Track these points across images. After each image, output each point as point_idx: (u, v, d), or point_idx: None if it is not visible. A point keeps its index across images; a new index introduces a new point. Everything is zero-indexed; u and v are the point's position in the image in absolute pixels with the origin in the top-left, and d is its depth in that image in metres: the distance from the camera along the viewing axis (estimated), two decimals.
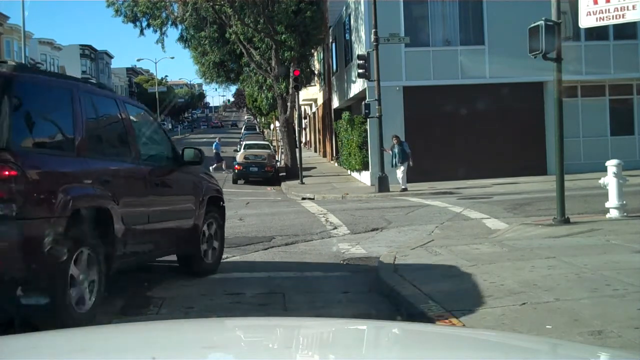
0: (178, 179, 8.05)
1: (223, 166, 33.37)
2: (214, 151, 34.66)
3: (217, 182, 9.65)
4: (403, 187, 20.55)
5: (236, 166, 28.60)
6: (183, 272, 8.46)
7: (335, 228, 12.96)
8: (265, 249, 10.64)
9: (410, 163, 20.79)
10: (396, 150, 20.91)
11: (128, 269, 7.26)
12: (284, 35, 28.39)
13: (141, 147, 7.41)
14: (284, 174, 30.27)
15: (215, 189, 9.04)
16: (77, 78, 7.81)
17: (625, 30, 23.23)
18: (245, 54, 30.06)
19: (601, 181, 11.93)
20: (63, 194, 5.64)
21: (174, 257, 8.58)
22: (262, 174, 28.07)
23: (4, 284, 5.30)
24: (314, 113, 48.31)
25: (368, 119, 22.97)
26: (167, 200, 7.79)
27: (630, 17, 10.44)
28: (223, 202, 9.24)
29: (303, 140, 42.44)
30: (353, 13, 26.97)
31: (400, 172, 20.77)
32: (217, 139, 38.06)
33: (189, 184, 8.31)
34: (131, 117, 7.35)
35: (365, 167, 24.83)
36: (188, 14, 28.45)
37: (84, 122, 6.25)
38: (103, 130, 6.96)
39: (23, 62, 32.32)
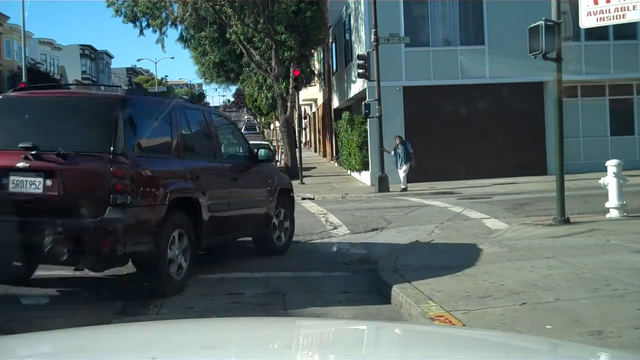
0: (253, 174, 9.54)
1: None
2: None
3: (288, 175, 11.52)
4: (403, 186, 20.57)
5: None
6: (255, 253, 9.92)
7: (335, 228, 12.96)
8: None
9: (413, 163, 20.82)
10: (399, 150, 20.93)
11: (213, 247, 9.11)
12: (284, 35, 28.38)
13: (223, 149, 9.06)
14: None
15: (286, 182, 10.54)
16: (173, 96, 9.22)
17: (625, 30, 23.23)
18: (245, 54, 30.06)
19: (601, 181, 11.93)
20: (163, 188, 7.19)
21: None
22: None
23: (119, 258, 6.91)
24: (314, 113, 48.31)
25: (368, 119, 22.97)
26: (243, 192, 9.26)
27: (630, 17, 10.44)
28: (292, 193, 10.69)
29: (303, 140, 42.46)
30: (353, 13, 26.97)
31: (402, 171, 20.79)
32: None
33: (262, 178, 9.75)
34: (215, 125, 8.98)
35: (365, 167, 24.83)
36: (188, 14, 28.43)
37: (179, 131, 7.92)
38: (193, 136, 8.58)
39: (24, 62, 32.30)
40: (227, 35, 30.24)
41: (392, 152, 21.16)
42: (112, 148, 6.77)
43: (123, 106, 7.12)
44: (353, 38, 27.20)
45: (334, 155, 34.74)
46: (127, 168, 6.77)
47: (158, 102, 8.09)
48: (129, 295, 7.42)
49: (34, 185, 6.78)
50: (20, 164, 6.76)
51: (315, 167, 33.51)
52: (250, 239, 10.03)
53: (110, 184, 6.67)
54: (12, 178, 6.81)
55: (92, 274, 8.67)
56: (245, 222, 9.23)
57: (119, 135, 6.84)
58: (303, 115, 38.52)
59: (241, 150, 9.79)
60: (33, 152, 6.74)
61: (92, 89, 9.35)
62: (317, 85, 40.38)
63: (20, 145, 6.80)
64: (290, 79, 28.22)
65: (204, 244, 8.10)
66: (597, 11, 10.58)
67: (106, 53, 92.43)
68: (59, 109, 7.30)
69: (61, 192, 6.73)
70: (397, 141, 21.10)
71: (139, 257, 7.14)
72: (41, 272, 8.77)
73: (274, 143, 44.06)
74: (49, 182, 6.75)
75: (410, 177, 21.20)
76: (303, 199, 20.80)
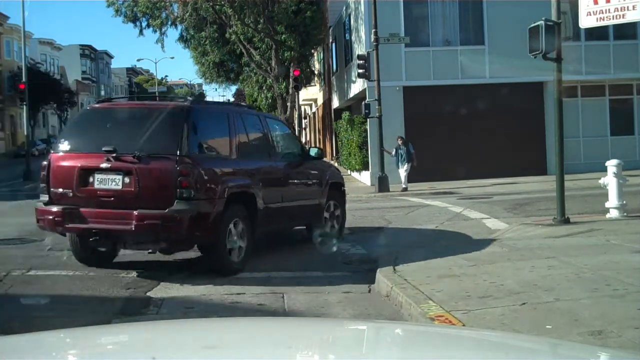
0: (305, 170, 10.64)
1: None
2: None
3: (339, 171, 12.46)
4: (404, 186, 20.57)
5: None
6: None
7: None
8: (266, 249, 10.61)
9: (414, 163, 20.84)
10: (401, 150, 20.94)
11: (268, 234, 10.12)
12: (284, 35, 28.38)
13: (277, 148, 10.17)
14: None
15: (337, 176, 11.61)
16: (231, 103, 10.91)
17: (625, 30, 23.22)
18: (245, 54, 30.06)
19: (601, 181, 11.93)
20: (222, 184, 8.34)
21: (177, 256, 9.15)
22: None
23: (185, 243, 8.33)
24: (314, 113, 48.30)
25: (368, 119, 22.96)
26: (295, 186, 10.34)
27: (630, 17, 10.44)
28: (344, 187, 11.78)
29: (303, 140, 42.44)
30: (353, 13, 26.97)
31: (403, 171, 20.80)
32: None
33: (313, 174, 10.84)
34: (270, 127, 10.08)
35: (365, 167, 24.82)
36: (188, 14, 28.43)
37: (236, 134, 9.07)
38: (249, 138, 9.55)
39: (24, 62, 32.29)
40: (227, 35, 30.24)
41: (393, 152, 21.17)
42: (178, 151, 7.95)
43: (187, 115, 8.34)
44: (353, 38, 27.20)
45: (334, 155, 34.75)
46: (191, 167, 7.96)
47: (218, 110, 9.66)
48: (195, 274, 8.44)
49: (115, 182, 8.08)
50: (103, 165, 8.05)
51: None
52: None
53: (176, 181, 7.86)
54: (97, 176, 8.15)
55: (92, 273, 8.69)
56: (298, 213, 10.31)
57: (184, 139, 8.06)
58: (303, 115, 38.54)
59: (294, 149, 10.91)
60: (113, 155, 7.99)
61: (163, 100, 10.77)
62: (317, 85, 40.38)
63: (103, 149, 8.03)
64: (290, 79, 28.23)
65: (259, 231, 9.20)
66: (597, 11, 10.58)
67: (106, 53, 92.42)
68: (134, 118, 8.63)
69: (136, 188, 7.95)
70: (400, 142, 21.11)
71: (202, 243, 8.43)
72: (41, 272, 8.78)
73: None
74: (126, 180, 8.01)
75: (411, 177, 21.19)
76: None
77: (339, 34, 31.58)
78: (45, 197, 8.42)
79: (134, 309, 6.99)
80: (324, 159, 12.63)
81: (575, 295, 6.34)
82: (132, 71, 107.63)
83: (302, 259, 9.69)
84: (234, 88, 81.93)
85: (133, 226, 7.79)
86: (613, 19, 10.53)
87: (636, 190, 14.44)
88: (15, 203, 19.96)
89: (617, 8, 10.35)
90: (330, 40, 33.93)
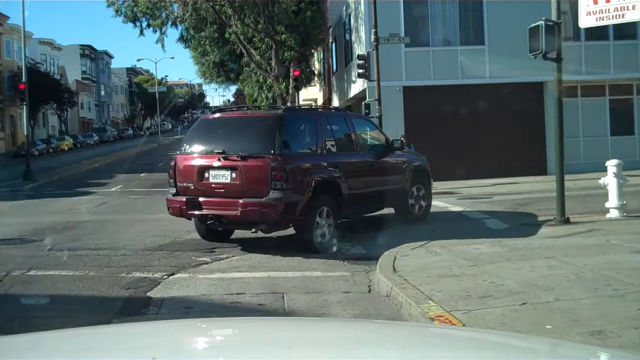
0: (388, 160, 12.32)
1: None
2: None
3: (423, 158, 13.68)
4: None
5: None
6: (396, 221, 12.66)
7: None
8: (266, 249, 10.62)
9: None
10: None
11: (352, 219, 12.11)
12: (284, 35, 28.38)
13: (361, 142, 11.95)
14: None
15: (421, 163, 13.25)
16: (320, 107, 12.74)
17: (625, 30, 23.22)
18: (245, 54, 30.06)
19: (601, 181, 11.93)
20: (309, 176, 10.13)
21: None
22: None
23: (280, 224, 10.38)
24: None
25: None
26: (379, 174, 11.98)
27: (630, 17, 10.44)
28: (429, 173, 13.45)
29: None
30: (353, 13, 26.96)
31: None
32: None
33: (397, 163, 12.56)
34: (354, 125, 11.88)
35: None
36: (188, 14, 28.44)
37: (322, 134, 10.86)
38: (335, 136, 11.26)
39: (24, 62, 32.27)
40: (227, 35, 30.25)
41: None
42: (272, 150, 9.81)
43: (280, 121, 10.27)
44: (353, 38, 27.19)
45: None
46: (282, 164, 9.76)
47: (306, 115, 11.95)
48: (289, 249, 10.17)
49: (224, 177, 10.12)
50: (216, 163, 10.11)
51: None
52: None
53: (271, 175, 9.69)
54: (211, 172, 10.23)
55: (91, 273, 8.70)
56: (381, 198, 12.02)
57: (277, 141, 9.89)
58: None
59: (378, 142, 12.55)
60: (223, 155, 10.02)
61: (261, 110, 13.18)
62: (317, 85, 40.37)
63: (215, 150, 10.17)
64: (290, 79, 28.22)
65: (345, 214, 11.13)
66: (596, 11, 10.58)
67: (106, 53, 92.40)
68: (238, 125, 10.67)
69: (241, 181, 9.93)
70: (403, 140, 21.06)
71: (294, 224, 10.37)
72: (41, 272, 8.78)
73: None
74: (233, 175, 10.00)
75: None
76: None
77: (339, 34, 31.58)
78: (173, 190, 10.72)
79: (134, 309, 7.00)
80: (412, 150, 15.07)
81: (575, 295, 6.34)
82: (132, 71, 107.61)
83: (302, 259, 9.70)
84: (234, 88, 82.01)
85: (239, 212, 9.79)
86: (613, 18, 10.53)
87: (636, 190, 14.44)
88: (15, 203, 19.97)
89: (617, 8, 10.35)
90: (330, 40, 33.92)
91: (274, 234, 11.10)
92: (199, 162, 10.40)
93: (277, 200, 9.67)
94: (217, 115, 11.41)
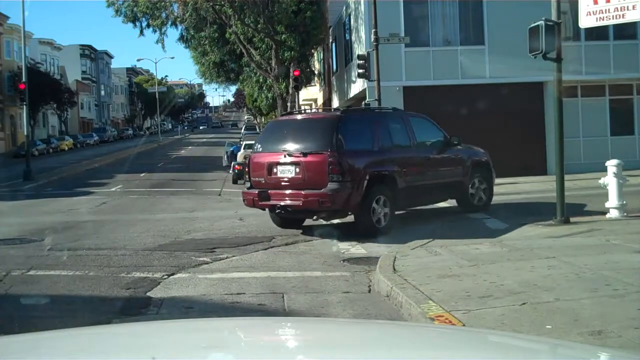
0: (446, 154, 13.45)
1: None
2: (231, 151, 33.78)
3: (484, 152, 14.67)
4: None
5: (236, 166, 28.50)
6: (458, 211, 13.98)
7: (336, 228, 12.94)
8: (265, 249, 10.63)
9: None
10: None
11: (408, 209, 13.44)
12: (284, 35, 28.39)
13: (418, 139, 12.90)
14: None
15: (482, 157, 14.39)
16: (378, 108, 14.89)
17: (625, 30, 23.20)
18: (245, 54, 30.06)
19: (601, 181, 11.93)
20: (364, 169, 11.38)
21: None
22: None
23: (337, 212, 11.71)
24: None
25: None
26: (436, 168, 13.12)
27: (630, 17, 10.43)
28: (490, 166, 14.48)
29: None
30: (353, 13, 26.96)
31: None
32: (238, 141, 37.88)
33: (455, 157, 13.66)
34: (412, 124, 12.97)
35: None
36: (188, 14, 28.45)
37: (378, 132, 12.09)
38: (391, 133, 12.41)
39: (24, 62, 32.25)
40: (227, 35, 30.26)
41: None
42: (329, 148, 11.09)
43: (337, 122, 11.62)
44: (353, 38, 27.18)
45: None
46: (338, 159, 11.01)
47: (362, 115, 13.07)
48: (348, 235, 11.47)
49: (289, 171, 11.46)
50: (282, 160, 11.50)
51: None
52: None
53: (328, 169, 10.96)
54: (278, 168, 11.60)
55: (92, 273, 8.71)
56: (440, 190, 13.21)
57: (334, 139, 11.16)
58: None
59: (436, 138, 13.51)
60: (288, 153, 11.43)
61: (321, 111, 13.96)
62: (317, 85, 40.37)
63: (282, 148, 11.59)
64: (290, 79, 28.21)
65: (404, 204, 12.57)
66: (596, 11, 10.57)
67: (106, 53, 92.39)
68: (301, 126, 12.22)
69: (303, 175, 11.23)
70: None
71: (350, 212, 11.63)
72: (41, 272, 8.78)
73: None
74: (297, 170, 11.33)
75: None
76: None
77: (339, 34, 31.57)
78: (247, 184, 12.28)
79: (134, 309, 6.99)
80: (473, 145, 15.72)
81: (575, 295, 6.34)
82: (132, 71, 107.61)
83: (302, 259, 9.70)
84: (234, 88, 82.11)
85: (301, 202, 11.13)
86: (613, 18, 10.52)
87: (636, 190, 14.43)
88: (15, 203, 19.97)
89: (617, 8, 10.35)
90: (330, 40, 33.90)
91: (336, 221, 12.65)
92: (268, 159, 11.80)
93: (333, 191, 10.95)
94: (283, 118, 13.28)
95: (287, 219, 12.47)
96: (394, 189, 11.80)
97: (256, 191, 11.79)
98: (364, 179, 11.23)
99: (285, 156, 11.46)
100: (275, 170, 11.62)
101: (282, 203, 11.45)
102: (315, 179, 11.10)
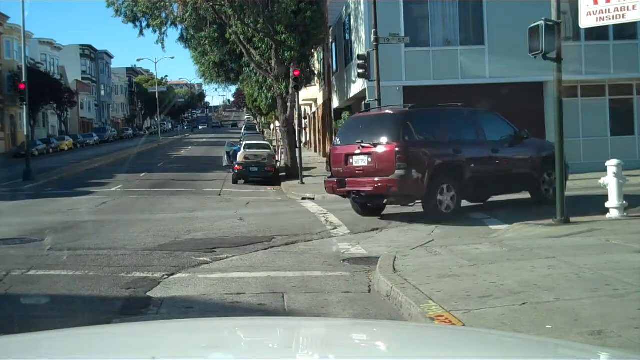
0: (516, 147, 14.34)
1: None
2: (233, 151, 33.75)
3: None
4: None
5: (236, 166, 28.52)
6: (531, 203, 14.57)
7: (335, 228, 12.96)
8: (265, 249, 10.63)
9: None
10: None
11: (482, 199, 14.86)
12: (284, 35, 28.36)
13: (486, 133, 13.84)
14: (284, 174, 30.20)
15: (553, 149, 13.85)
16: (448, 105, 15.36)
17: (625, 30, 23.20)
18: (245, 54, 30.03)
19: (601, 181, 11.93)
20: (430, 159, 12.79)
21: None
22: (262, 174, 27.95)
23: (405, 197, 13.20)
24: (314, 113, 48.30)
25: None
26: (504, 160, 13.97)
27: (630, 17, 10.43)
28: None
29: (303, 140, 42.43)
30: (353, 13, 26.96)
31: None
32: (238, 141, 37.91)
33: (525, 151, 14.52)
34: (479, 119, 14.16)
35: None
36: (188, 14, 28.41)
37: (444, 126, 13.45)
38: (458, 127, 13.67)
39: (24, 62, 32.25)
40: (227, 35, 30.22)
41: None
42: (396, 140, 12.59)
43: (403, 116, 13.32)
44: (353, 38, 27.18)
45: None
46: (404, 149, 12.50)
47: (430, 111, 14.23)
48: (415, 220, 13.00)
49: (362, 161, 13.10)
50: (357, 151, 13.14)
51: (315, 167, 33.49)
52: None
53: (395, 158, 12.42)
54: (354, 158, 13.27)
55: (92, 273, 8.71)
56: (509, 181, 14.01)
57: (401, 132, 12.72)
58: (303, 115, 38.51)
59: (506, 133, 14.41)
60: (362, 145, 13.01)
61: (390, 108, 15.25)
62: (317, 85, 40.35)
63: (356, 141, 13.15)
64: (290, 79, 28.19)
65: (470, 194, 13.75)
66: (596, 11, 10.57)
67: (106, 53, 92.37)
68: (373, 121, 13.78)
69: (374, 164, 12.79)
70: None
71: (416, 198, 13.09)
72: (41, 272, 8.78)
73: (274, 143, 44.05)
74: (369, 159, 12.94)
75: None
76: (303, 198, 20.80)
77: (339, 34, 31.56)
78: (329, 174, 14.07)
79: (134, 309, 6.99)
80: (546, 140, 17.33)
81: (575, 295, 6.34)
82: (132, 71, 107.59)
83: (302, 259, 9.70)
84: (234, 88, 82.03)
85: (372, 187, 12.77)
86: (613, 19, 10.52)
87: (636, 190, 14.43)
88: (15, 203, 19.97)
89: (617, 8, 10.34)
90: (330, 40, 33.90)
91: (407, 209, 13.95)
92: (345, 151, 13.49)
93: (400, 178, 12.41)
94: (358, 114, 15.03)
95: (367, 207, 14.08)
96: (460, 179, 12.97)
97: (335, 179, 13.62)
98: (429, 168, 12.61)
99: (359, 148, 13.07)
100: (351, 160, 13.33)
101: (356, 189, 13.23)
102: (384, 167, 12.59)
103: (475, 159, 13.42)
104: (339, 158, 13.60)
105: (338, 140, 14.18)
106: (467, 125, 13.83)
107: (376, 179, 12.57)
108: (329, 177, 14.01)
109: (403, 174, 12.40)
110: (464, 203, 13.97)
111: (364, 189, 13.05)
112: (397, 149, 12.48)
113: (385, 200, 13.61)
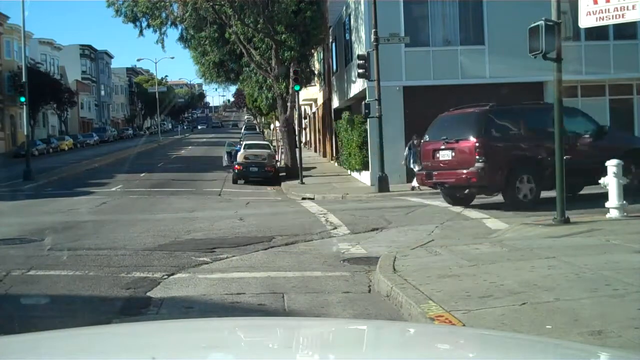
0: (598, 141, 14.81)
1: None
2: (234, 151, 33.71)
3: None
4: (415, 185, 20.56)
5: (236, 166, 28.52)
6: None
7: (335, 228, 12.96)
8: (265, 249, 10.62)
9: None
10: (417, 149, 20.82)
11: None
12: (284, 35, 28.36)
13: (566, 126, 13.12)
14: (284, 174, 30.22)
15: (637, 145, 15.69)
16: (528, 103, 16.99)
17: (625, 30, 23.20)
18: (245, 54, 30.03)
19: (601, 181, 11.93)
20: (508, 152, 14.22)
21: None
22: (262, 174, 27.97)
23: (486, 187, 14.52)
24: (314, 113, 48.30)
25: (368, 119, 22.93)
26: (586, 152, 14.42)
27: (630, 17, 10.43)
28: None
29: (303, 140, 42.43)
30: (353, 13, 26.96)
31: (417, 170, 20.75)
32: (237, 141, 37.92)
33: (608, 143, 14.75)
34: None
35: (365, 167, 24.80)
36: (188, 14, 28.42)
37: (524, 123, 14.70)
38: (538, 124, 14.52)
39: (24, 62, 32.23)
40: (227, 35, 30.23)
41: (405, 152, 21.09)
42: (476, 136, 13.98)
43: (482, 115, 14.55)
44: (353, 38, 27.18)
45: (334, 155, 34.74)
46: (483, 144, 13.91)
47: (509, 109, 15.38)
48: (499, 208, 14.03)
49: (446, 155, 14.69)
50: (442, 147, 14.77)
51: (315, 167, 33.50)
52: None
53: (475, 152, 13.82)
54: (440, 153, 14.88)
55: (92, 273, 8.70)
56: (590, 173, 13.64)
57: (480, 128, 14.12)
58: (303, 115, 38.52)
59: (587, 128, 15.22)
60: (446, 140, 14.64)
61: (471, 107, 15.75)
62: (317, 85, 40.35)
63: (442, 137, 14.81)
64: (291, 79, 28.19)
65: (550, 185, 13.08)
66: (596, 11, 10.56)
67: (106, 53, 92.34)
68: (458, 119, 15.01)
69: (457, 158, 14.20)
70: (415, 140, 20.89)
71: (495, 189, 14.48)
72: (41, 272, 8.78)
73: (274, 143, 44.05)
74: (452, 154, 14.49)
75: (410, 177, 21.15)
76: (303, 198, 20.81)
77: (339, 34, 31.56)
78: (419, 167, 16.13)
79: (134, 309, 6.99)
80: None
81: (575, 295, 6.34)
82: (132, 71, 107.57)
83: (302, 259, 9.70)
84: (234, 88, 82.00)
85: (454, 179, 14.31)
86: (613, 18, 10.51)
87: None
88: (15, 203, 19.97)
89: (617, 8, 10.34)
90: (330, 40, 33.90)
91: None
92: (432, 146, 15.14)
93: (479, 170, 13.74)
94: (445, 114, 15.96)
95: (456, 197, 15.45)
96: (539, 171, 13.78)
97: (424, 172, 15.45)
98: (507, 161, 13.86)
99: (443, 144, 14.70)
100: (437, 155, 14.97)
101: (441, 180, 14.92)
102: (465, 161, 13.96)
103: (551, 152, 13.55)
104: (428, 153, 15.38)
105: (427, 136, 15.72)
106: (547, 120, 14.02)
107: (458, 171, 13.91)
108: (418, 170, 16.13)
109: (482, 167, 13.73)
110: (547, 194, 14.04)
111: (447, 180, 14.70)
112: (476, 144, 13.89)
113: (466, 191, 15.02)
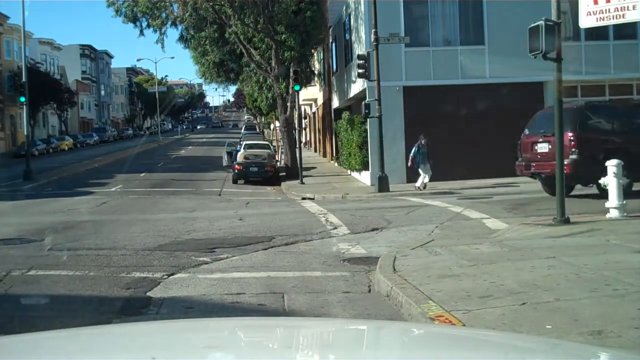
0: None
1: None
2: (235, 151, 33.60)
3: None
4: (419, 185, 20.58)
5: (236, 166, 28.51)
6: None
7: (335, 228, 12.96)
8: (265, 249, 10.62)
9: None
10: (426, 149, 20.84)
11: None
12: (284, 35, 28.36)
13: None
14: (284, 174, 30.22)
15: None
16: (612, 101, 19.19)
17: (625, 30, 23.19)
18: (245, 54, 30.03)
19: (601, 181, 11.93)
20: (600, 145, 15.00)
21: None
22: (262, 174, 27.96)
23: (579, 178, 15.42)
24: (314, 113, 48.30)
25: (368, 119, 22.94)
26: None
27: (630, 17, 10.43)
28: None
29: (303, 140, 42.43)
30: (353, 13, 26.96)
31: (428, 169, 20.75)
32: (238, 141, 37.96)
33: None
34: None
35: (365, 167, 24.80)
36: (188, 14, 28.43)
37: (617, 119, 16.03)
38: (631, 118, 15.98)
39: (24, 62, 32.19)
40: (227, 35, 30.23)
41: (413, 152, 21.09)
42: (571, 130, 14.71)
43: (578, 110, 15.65)
44: (353, 38, 27.18)
45: (334, 155, 34.73)
46: (577, 137, 14.91)
47: (601, 106, 16.91)
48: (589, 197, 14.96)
49: (544, 148, 15.77)
50: (540, 140, 15.94)
51: (315, 167, 33.51)
52: None
53: (570, 145, 14.48)
54: (538, 145, 16.06)
55: (92, 273, 8.70)
56: None
57: (575, 124, 15.02)
58: (303, 115, 38.51)
59: None
60: (544, 134, 15.57)
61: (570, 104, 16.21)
62: (317, 85, 40.35)
63: (540, 131, 15.95)
64: (291, 79, 28.19)
65: (637, 176, 14.69)
66: (596, 11, 10.56)
67: (106, 53, 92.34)
68: (554, 114, 14.53)
69: (553, 150, 12.86)
70: (423, 140, 20.91)
71: (588, 180, 15.46)
72: (41, 272, 8.78)
73: (274, 143, 44.03)
74: (549, 146, 15.19)
75: (411, 177, 21.12)
76: (303, 198, 20.81)
77: (339, 34, 31.57)
78: (519, 159, 16.88)
79: (134, 309, 7.00)
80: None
81: (575, 295, 6.34)
82: (132, 71, 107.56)
83: (302, 259, 9.69)
84: (234, 88, 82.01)
85: (550, 170, 14.12)
86: (613, 18, 10.51)
87: (636, 190, 14.45)
88: (15, 203, 19.97)
89: (617, 8, 10.34)
90: (330, 40, 33.90)
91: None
92: (531, 139, 16.29)
93: (572, 161, 14.46)
94: (544, 109, 17.00)
95: (553, 187, 15.99)
96: (630, 163, 13.81)
97: (523, 163, 16.54)
98: (599, 153, 14.20)
99: (541, 137, 15.79)
100: (535, 147, 16.11)
101: (537, 171, 16.14)
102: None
103: (637, 146, 15.03)
104: (527, 145, 16.45)
105: (527, 130, 16.83)
106: (633, 117, 15.91)
107: (554, 162, 13.98)
108: (519, 162, 16.95)
109: (576, 158, 14.63)
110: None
111: (543, 171, 15.72)
112: (571, 137, 14.66)
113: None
